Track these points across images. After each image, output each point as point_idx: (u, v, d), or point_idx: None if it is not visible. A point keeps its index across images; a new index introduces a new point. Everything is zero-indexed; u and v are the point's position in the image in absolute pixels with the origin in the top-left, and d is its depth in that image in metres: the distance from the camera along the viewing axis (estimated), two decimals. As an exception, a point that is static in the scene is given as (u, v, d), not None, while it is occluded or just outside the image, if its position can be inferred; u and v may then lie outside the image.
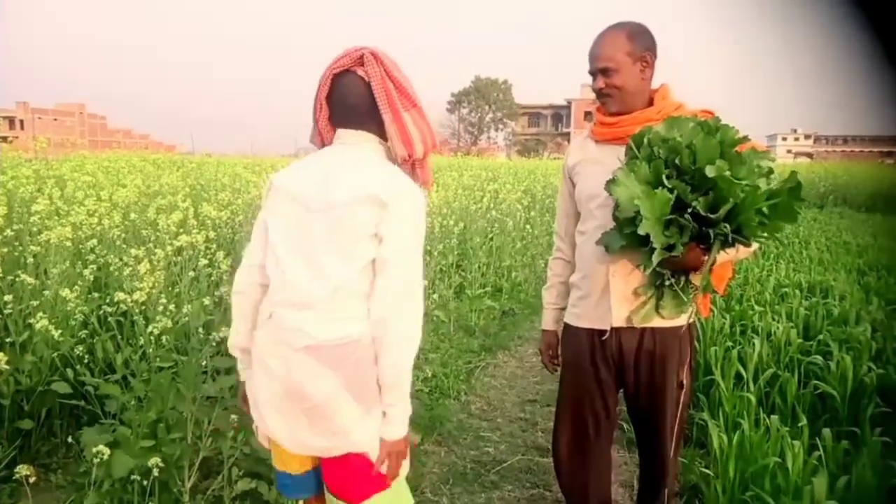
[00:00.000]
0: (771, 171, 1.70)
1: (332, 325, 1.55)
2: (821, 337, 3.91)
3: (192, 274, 3.32)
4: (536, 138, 70.09)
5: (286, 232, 1.64)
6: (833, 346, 3.63)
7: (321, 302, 1.55)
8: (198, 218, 4.62)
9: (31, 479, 1.99)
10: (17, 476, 1.98)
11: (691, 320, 2.00)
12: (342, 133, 1.67)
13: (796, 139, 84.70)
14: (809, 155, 72.00)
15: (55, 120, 63.05)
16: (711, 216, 1.65)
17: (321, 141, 1.74)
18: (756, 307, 4.48)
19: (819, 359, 3.57)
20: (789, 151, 78.42)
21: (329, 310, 1.55)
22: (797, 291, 5.03)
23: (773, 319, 4.16)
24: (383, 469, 1.60)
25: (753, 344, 3.66)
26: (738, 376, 3.44)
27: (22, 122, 61.65)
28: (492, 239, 7.04)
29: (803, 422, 2.80)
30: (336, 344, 1.54)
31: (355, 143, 1.65)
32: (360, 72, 1.62)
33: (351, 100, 1.63)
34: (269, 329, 1.63)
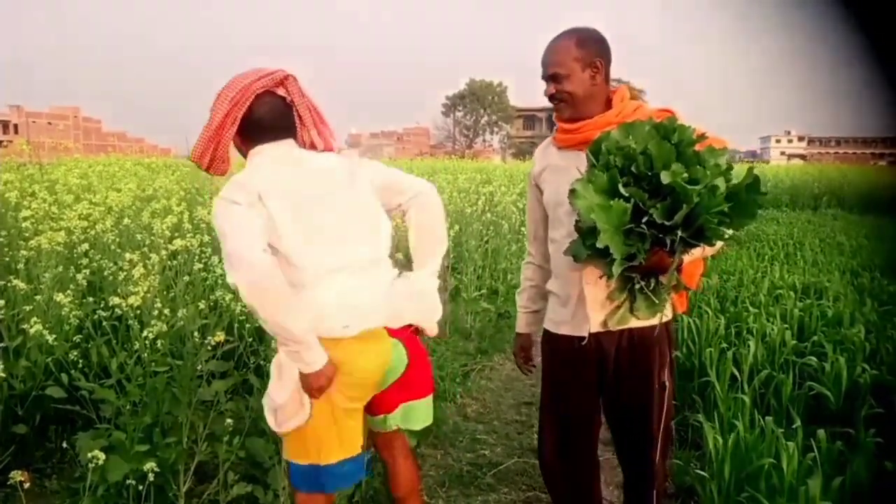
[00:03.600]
0: (730, 167, 1.69)
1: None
2: (815, 338, 3.92)
3: (186, 278, 3.32)
4: (531, 141, 70.12)
5: (312, 225, 1.83)
6: (827, 348, 3.65)
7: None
8: (192, 222, 4.61)
9: (26, 485, 1.97)
10: (12, 481, 1.97)
11: (667, 318, 2.00)
12: (271, 147, 1.89)
13: (790, 141, 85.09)
14: (803, 156, 72.29)
15: (49, 124, 62.85)
16: (667, 223, 1.64)
17: (227, 165, 1.97)
18: (751, 308, 4.49)
19: (813, 360, 3.58)
20: (783, 153, 78.75)
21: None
22: (791, 293, 5.04)
23: (768, 321, 4.18)
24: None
25: (748, 345, 3.67)
26: (733, 378, 3.44)
27: (16, 126, 61.41)
28: (487, 242, 7.04)
29: (798, 423, 2.81)
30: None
31: (292, 147, 1.92)
32: (282, 92, 1.88)
33: (278, 117, 1.88)
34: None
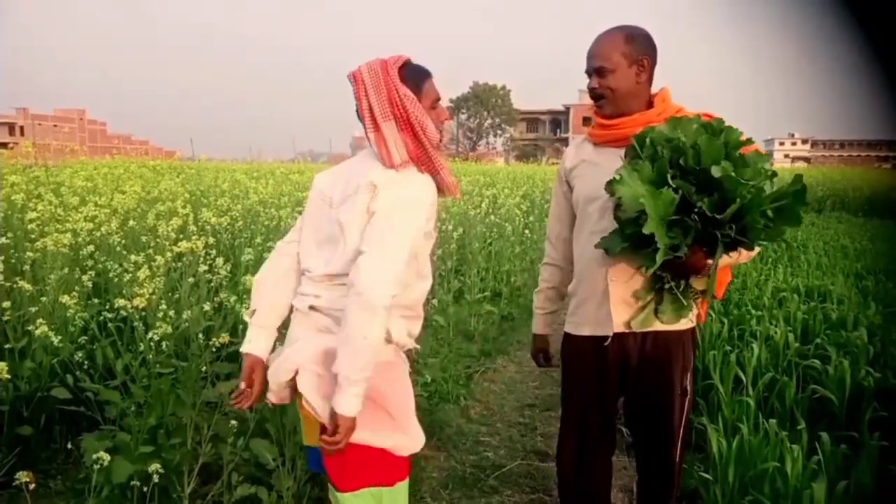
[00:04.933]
0: (774, 173, 1.68)
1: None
2: (819, 341, 3.92)
3: (191, 280, 3.32)
4: (535, 143, 70.17)
5: (314, 224, 1.82)
6: (831, 351, 3.64)
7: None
8: (197, 224, 4.62)
9: (31, 486, 1.98)
10: (17, 482, 1.97)
11: (691, 325, 1.98)
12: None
13: (794, 144, 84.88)
14: (807, 159, 72.14)
15: (55, 126, 62.94)
16: (718, 217, 1.63)
17: None
18: (754, 311, 4.48)
19: (817, 363, 3.57)
20: (787, 156, 78.57)
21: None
22: (795, 296, 5.03)
23: (772, 324, 4.17)
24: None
25: (752, 348, 3.66)
26: (737, 381, 3.44)
27: (22, 128, 61.60)
28: (490, 244, 7.04)
29: (802, 426, 2.80)
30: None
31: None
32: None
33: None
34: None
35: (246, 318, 1.88)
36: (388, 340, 1.71)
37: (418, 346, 1.88)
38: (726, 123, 1.74)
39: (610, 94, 1.93)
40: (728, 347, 3.78)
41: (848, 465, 2.62)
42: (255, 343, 1.81)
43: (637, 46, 1.91)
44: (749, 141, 1.72)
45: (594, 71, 1.94)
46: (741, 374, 3.46)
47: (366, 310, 1.55)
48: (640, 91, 1.94)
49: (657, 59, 1.96)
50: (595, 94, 1.96)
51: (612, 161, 1.85)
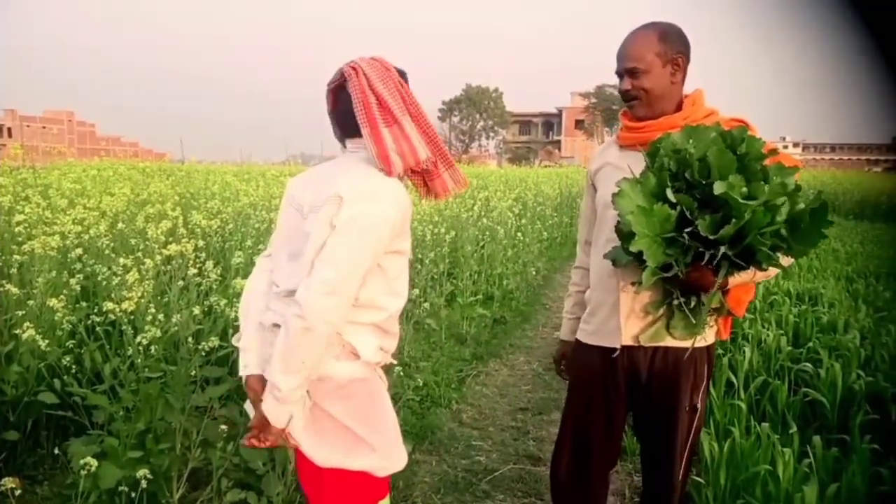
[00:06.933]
0: (798, 188, 1.55)
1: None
2: (810, 344, 3.94)
3: (181, 283, 3.30)
4: (527, 146, 70.34)
5: (286, 233, 1.75)
6: (822, 354, 3.66)
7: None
8: (187, 226, 4.60)
9: (17, 492, 1.95)
10: (3, 488, 1.95)
11: (707, 343, 1.90)
12: (346, 142, 1.75)
13: (785, 147, 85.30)
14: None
15: (43, 128, 62.61)
16: (711, 237, 1.52)
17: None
18: (746, 315, 4.49)
19: (809, 366, 3.59)
20: (777, 159, 78.93)
21: None
22: (787, 299, 5.06)
23: (764, 327, 4.19)
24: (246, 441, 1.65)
25: (744, 352, 3.68)
26: (729, 384, 3.45)
27: (10, 129, 61.28)
28: (483, 247, 7.04)
29: (794, 429, 2.81)
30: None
31: (354, 151, 1.70)
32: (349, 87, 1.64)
33: (345, 114, 1.67)
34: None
35: (234, 342, 1.82)
36: (357, 357, 1.65)
37: (394, 361, 1.81)
38: (749, 132, 1.61)
39: (644, 95, 1.84)
40: (720, 351, 3.78)
41: (839, 468, 2.62)
42: (250, 367, 1.72)
43: (671, 44, 1.82)
44: (773, 152, 1.62)
45: (626, 72, 1.85)
46: (733, 377, 3.47)
47: (306, 333, 1.51)
48: (673, 91, 1.85)
49: (690, 57, 1.86)
50: (628, 96, 1.88)
51: (634, 165, 1.77)
